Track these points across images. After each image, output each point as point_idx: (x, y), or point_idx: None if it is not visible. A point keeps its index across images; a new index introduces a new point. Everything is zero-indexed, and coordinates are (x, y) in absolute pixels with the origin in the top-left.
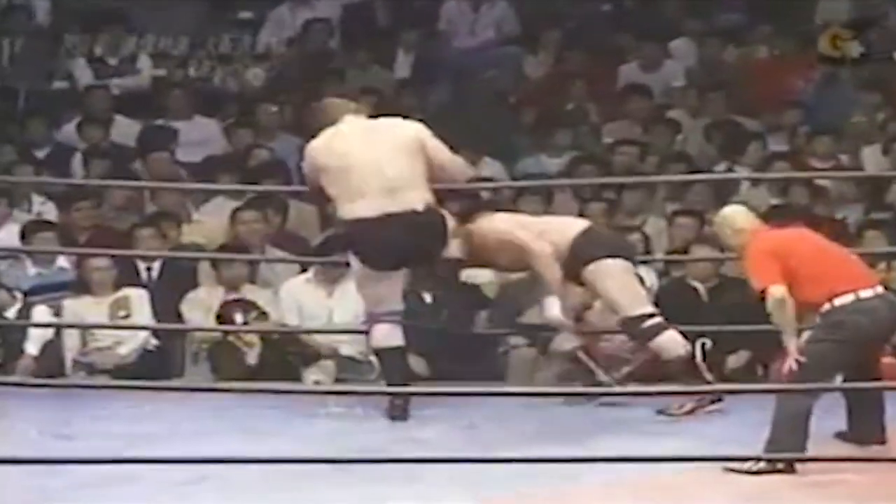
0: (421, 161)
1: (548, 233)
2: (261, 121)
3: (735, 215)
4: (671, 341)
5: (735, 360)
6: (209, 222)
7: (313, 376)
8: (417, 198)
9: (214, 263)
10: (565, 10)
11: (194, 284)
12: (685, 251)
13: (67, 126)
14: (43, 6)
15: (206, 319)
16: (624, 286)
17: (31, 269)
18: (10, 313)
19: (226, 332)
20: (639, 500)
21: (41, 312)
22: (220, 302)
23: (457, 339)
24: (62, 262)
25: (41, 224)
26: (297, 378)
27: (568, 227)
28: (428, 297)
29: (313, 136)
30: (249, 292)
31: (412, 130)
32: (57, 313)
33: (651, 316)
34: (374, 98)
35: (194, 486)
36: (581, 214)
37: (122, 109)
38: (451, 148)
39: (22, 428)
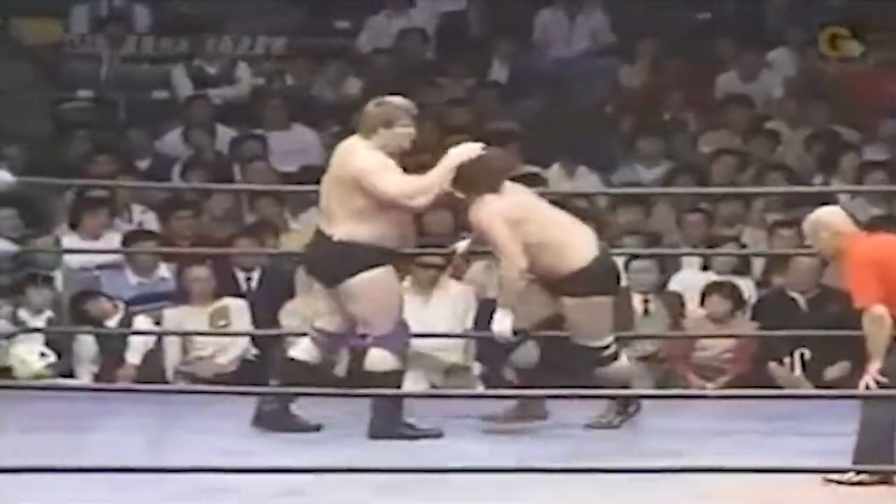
0: (354, 195)
1: (550, 249)
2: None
3: (833, 217)
4: (618, 371)
5: (834, 371)
6: (306, 231)
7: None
8: (337, 229)
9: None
10: (662, 20)
11: (291, 294)
12: (785, 262)
13: (168, 136)
14: (143, 16)
15: (303, 328)
16: (594, 319)
17: (133, 279)
18: (112, 323)
19: None
20: None
21: (142, 322)
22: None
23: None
24: (163, 272)
25: (142, 233)
26: None
27: (573, 254)
28: None
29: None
30: None
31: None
32: (158, 323)
33: (607, 347)
34: (469, 108)
35: (288, 499)
36: (678, 224)
37: (222, 119)
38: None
39: (119, 438)
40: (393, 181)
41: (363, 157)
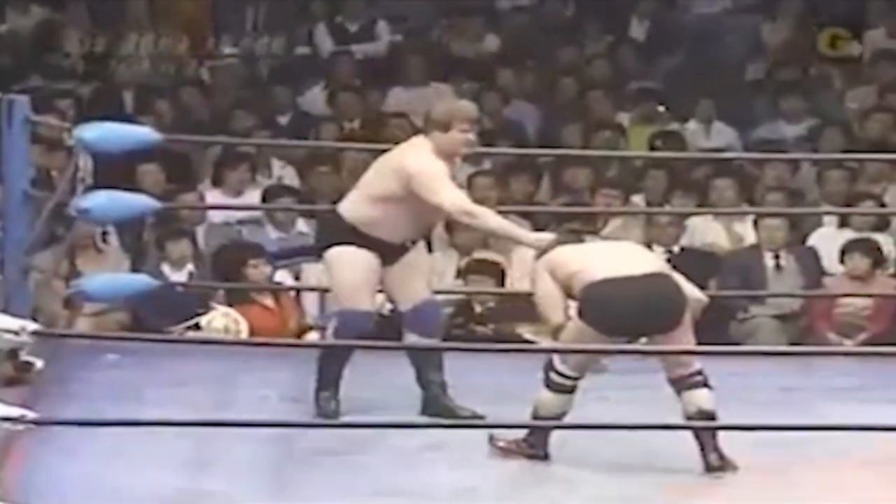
0: (389, 182)
1: (578, 278)
2: (499, 87)
3: None
4: None
5: None
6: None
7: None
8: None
9: (448, 227)
10: None
11: (429, 249)
12: None
13: (310, 92)
14: None
15: (440, 284)
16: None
17: (273, 234)
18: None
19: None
20: (870, 474)
21: (282, 277)
22: (456, 266)
23: None
24: (301, 226)
25: (282, 189)
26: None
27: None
28: None
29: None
30: (483, 256)
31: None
32: (297, 277)
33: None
34: (608, 65)
35: (432, 453)
36: (820, 179)
37: (362, 76)
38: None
39: (262, 392)
40: (451, 196)
41: (424, 159)
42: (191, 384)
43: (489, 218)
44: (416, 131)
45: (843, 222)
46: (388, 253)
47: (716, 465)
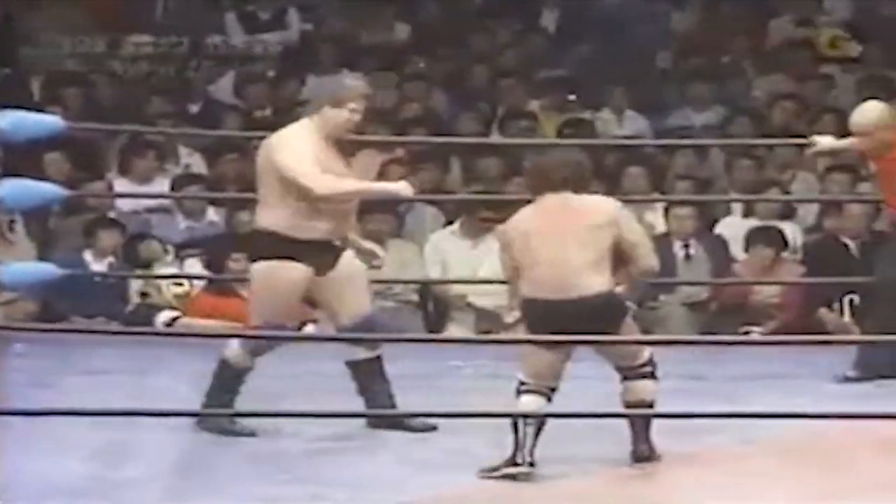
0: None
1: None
2: (410, 75)
3: (886, 111)
4: None
5: None
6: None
7: (454, 329)
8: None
9: (359, 216)
10: None
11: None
12: (839, 207)
13: (221, 81)
14: None
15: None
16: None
17: (182, 223)
18: (162, 267)
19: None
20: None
21: (192, 266)
22: None
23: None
24: (211, 215)
25: (191, 177)
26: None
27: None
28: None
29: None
30: (393, 247)
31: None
32: (208, 266)
33: None
34: (518, 53)
35: (346, 442)
36: (728, 168)
37: (273, 64)
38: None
39: (169, 383)
40: (311, 174)
41: (286, 145)
42: (104, 374)
43: (345, 184)
44: None
45: (749, 210)
46: (320, 257)
47: (645, 455)
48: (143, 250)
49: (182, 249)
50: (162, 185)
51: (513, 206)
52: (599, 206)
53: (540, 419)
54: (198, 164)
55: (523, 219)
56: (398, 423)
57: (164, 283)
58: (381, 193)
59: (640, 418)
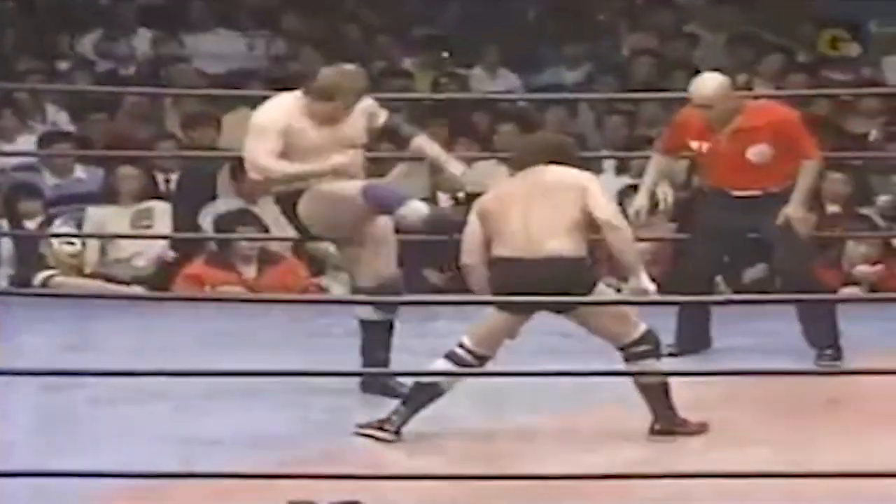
0: None
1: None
2: (286, 33)
3: (725, 82)
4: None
5: (753, 273)
6: (232, 134)
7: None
8: None
9: (234, 174)
10: None
11: (213, 197)
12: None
13: (88, 38)
14: None
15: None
16: None
17: (50, 180)
18: (33, 224)
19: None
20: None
21: (61, 226)
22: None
23: None
24: (79, 172)
25: (58, 134)
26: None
27: None
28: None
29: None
30: (264, 205)
31: None
32: (78, 225)
33: None
34: (394, 9)
35: (213, 401)
36: (599, 125)
37: (145, 22)
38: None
39: (36, 342)
40: (254, 155)
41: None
42: None
43: (283, 166)
44: (201, 76)
45: (622, 168)
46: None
47: (666, 428)
48: (21, 208)
49: (51, 207)
50: (28, 142)
51: (388, 164)
52: (570, 173)
53: (434, 393)
54: (64, 122)
55: (501, 189)
56: (388, 388)
57: (55, 241)
58: (314, 172)
59: (653, 393)
